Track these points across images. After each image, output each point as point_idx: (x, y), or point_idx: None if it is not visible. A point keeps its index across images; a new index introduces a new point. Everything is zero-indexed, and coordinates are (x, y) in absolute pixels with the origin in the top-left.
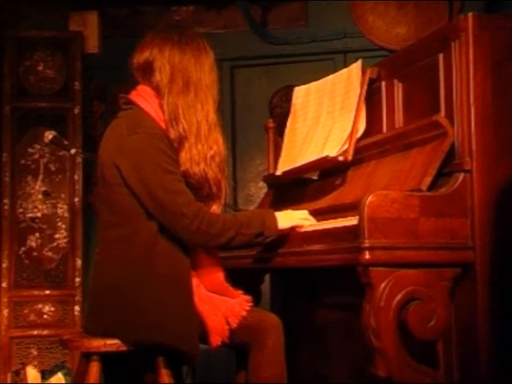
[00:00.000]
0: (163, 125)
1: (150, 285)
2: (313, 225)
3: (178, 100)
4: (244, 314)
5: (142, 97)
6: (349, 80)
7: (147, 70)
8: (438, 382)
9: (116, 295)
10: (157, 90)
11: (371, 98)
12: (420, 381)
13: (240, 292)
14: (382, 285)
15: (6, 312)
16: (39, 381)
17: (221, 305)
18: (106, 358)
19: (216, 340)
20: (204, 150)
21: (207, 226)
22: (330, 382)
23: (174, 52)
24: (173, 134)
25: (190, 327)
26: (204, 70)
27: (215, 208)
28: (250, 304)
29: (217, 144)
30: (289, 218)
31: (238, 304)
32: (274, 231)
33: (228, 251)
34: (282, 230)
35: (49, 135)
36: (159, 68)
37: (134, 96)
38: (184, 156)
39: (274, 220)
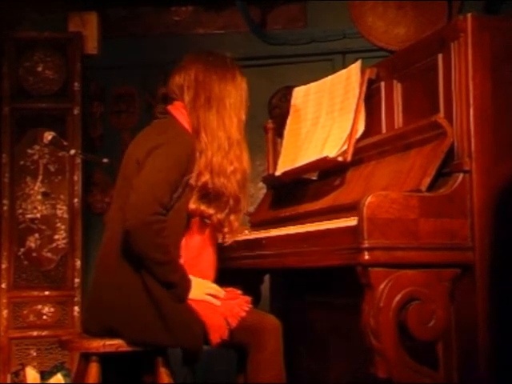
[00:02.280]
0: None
1: (151, 284)
2: (313, 225)
3: (199, 113)
4: (243, 314)
5: (178, 109)
6: (348, 80)
7: (178, 91)
8: (438, 383)
9: (117, 293)
10: (187, 106)
11: (370, 99)
12: (420, 381)
13: (239, 293)
14: (382, 285)
15: (5, 313)
16: (38, 381)
17: (220, 305)
18: (105, 359)
19: (215, 338)
20: (224, 164)
21: (156, 231)
22: (329, 383)
23: (200, 70)
24: (197, 144)
25: (192, 326)
26: (228, 90)
27: (233, 219)
28: (250, 305)
29: (239, 161)
30: (199, 290)
31: (238, 305)
32: (184, 293)
33: (226, 252)
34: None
35: (48, 136)
36: (187, 87)
37: (170, 108)
38: (203, 166)
39: (190, 286)
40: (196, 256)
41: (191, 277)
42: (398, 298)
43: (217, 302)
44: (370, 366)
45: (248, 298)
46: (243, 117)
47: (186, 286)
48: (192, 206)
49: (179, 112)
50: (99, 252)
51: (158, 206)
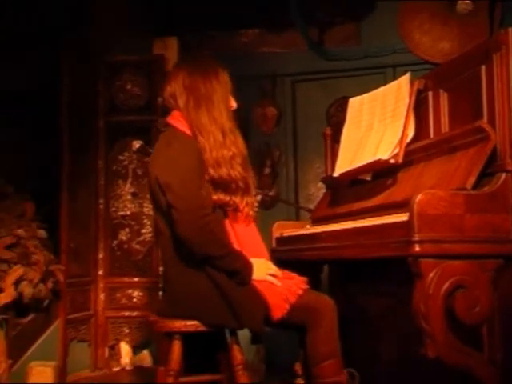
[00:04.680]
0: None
1: (213, 273)
2: (367, 220)
3: (192, 116)
4: (301, 292)
5: (176, 118)
6: (398, 91)
7: (173, 100)
8: (482, 362)
9: (186, 286)
10: (182, 112)
11: (419, 107)
12: (465, 361)
13: (295, 274)
14: (431, 274)
15: (102, 296)
16: (131, 355)
17: (280, 285)
18: (186, 337)
19: (277, 315)
20: (223, 153)
21: (208, 232)
22: (380, 360)
23: (185, 77)
24: (198, 145)
25: (255, 309)
26: (213, 86)
27: (249, 200)
28: (306, 285)
29: (235, 146)
30: (262, 271)
31: (295, 284)
32: (247, 278)
33: (289, 245)
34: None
35: (136, 144)
36: (179, 95)
37: (169, 119)
38: (208, 162)
39: (252, 270)
40: (245, 239)
41: (252, 259)
42: (445, 285)
43: (277, 283)
44: (420, 347)
45: (304, 278)
46: (233, 105)
47: (249, 270)
48: (213, 197)
49: (177, 120)
50: (161, 252)
51: (200, 210)
